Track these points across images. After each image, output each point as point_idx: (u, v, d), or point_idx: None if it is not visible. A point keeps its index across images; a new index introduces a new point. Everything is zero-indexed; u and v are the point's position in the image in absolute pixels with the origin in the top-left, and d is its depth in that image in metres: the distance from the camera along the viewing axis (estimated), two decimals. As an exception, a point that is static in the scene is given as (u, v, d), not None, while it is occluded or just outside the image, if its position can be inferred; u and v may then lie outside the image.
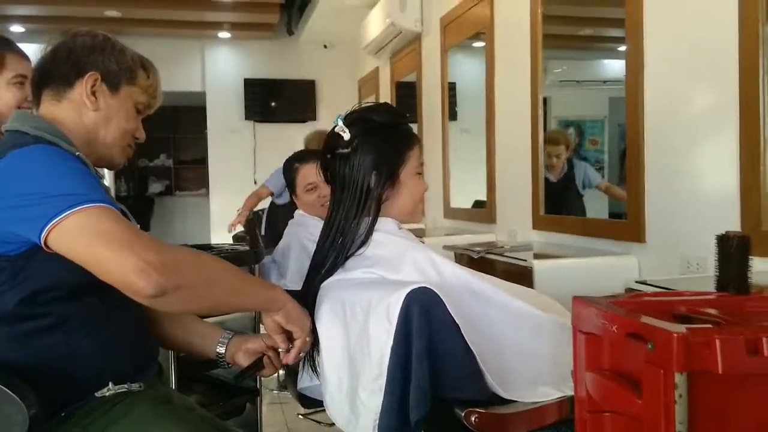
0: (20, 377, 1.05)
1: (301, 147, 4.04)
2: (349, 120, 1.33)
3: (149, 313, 1.32)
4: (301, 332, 1.24)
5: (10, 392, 1.01)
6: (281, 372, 1.66)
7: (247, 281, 1.27)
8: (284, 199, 4.19)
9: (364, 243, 1.30)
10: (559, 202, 2.90)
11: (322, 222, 2.15)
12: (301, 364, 1.42)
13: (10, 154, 1.09)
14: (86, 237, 1.02)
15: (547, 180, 2.91)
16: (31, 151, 1.11)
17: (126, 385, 1.18)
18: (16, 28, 5.82)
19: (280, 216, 3.96)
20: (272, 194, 4.28)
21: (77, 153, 1.18)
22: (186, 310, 1.27)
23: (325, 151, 1.36)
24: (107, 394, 1.16)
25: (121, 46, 1.29)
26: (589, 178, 2.92)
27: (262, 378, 1.84)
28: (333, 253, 1.32)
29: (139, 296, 1.01)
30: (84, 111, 1.24)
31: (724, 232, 1.19)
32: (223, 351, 1.37)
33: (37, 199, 1.04)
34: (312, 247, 2.05)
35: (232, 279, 1.16)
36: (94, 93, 1.24)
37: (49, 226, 1.02)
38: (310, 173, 2.34)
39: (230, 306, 1.35)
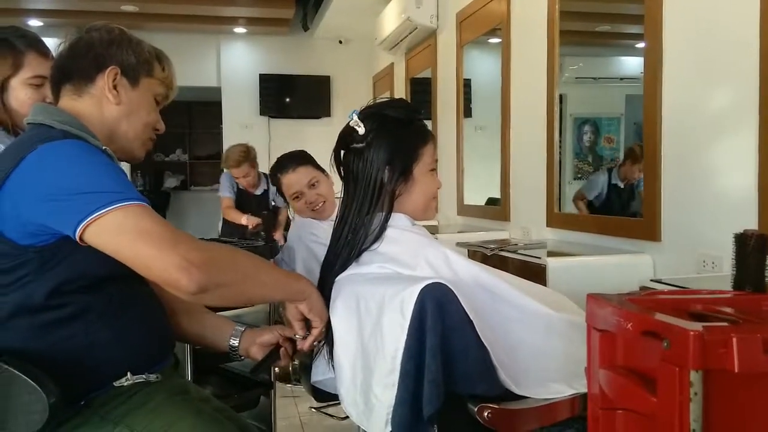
0: (40, 366, 1.06)
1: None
2: (364, 115, 1.33)
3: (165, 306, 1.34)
4: (320, 322, 1.30)
5: (30, 381, 1.03)
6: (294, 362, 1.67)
7: (277, 275, 1.32)
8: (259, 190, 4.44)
9: (377, 238, 1.30)
10: (620, 203, 2.80)
11: (320, 221, 2.16)
12: (314, 357, 1.44)
13: (39, 147, 1.10)
14: (128, 235, 1.05)
15: (614, 185, 2.82)
16: (62, 145, 1.12)
17: (144, 376, 1.20)
18: (34, 22, 5.86)
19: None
20: (234, 198, 4.39)
21: (104, 148, 1.19)
22: (222, 304, 1.34)
23: (339, 146, 1.37)
24: (125, 383, 1.18)
25: (137, 40, 1.30)
26: None
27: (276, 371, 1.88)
28: (346, 248, 1.33)
29: (181, 292, 1.05)
30: (106, 105, 1.25)
31: (741, 231, 1.18)
32: (236, 343, 1.40)
33: (73, 194, 1.06)
34: (316, 248, 2.03)
35: (264, 273, 1.23)
36: (115, 87, 1.25)
37: (87, 221, 1.04)
38: (290, 183, 2.24)
39: (261, 298, 1.50)
